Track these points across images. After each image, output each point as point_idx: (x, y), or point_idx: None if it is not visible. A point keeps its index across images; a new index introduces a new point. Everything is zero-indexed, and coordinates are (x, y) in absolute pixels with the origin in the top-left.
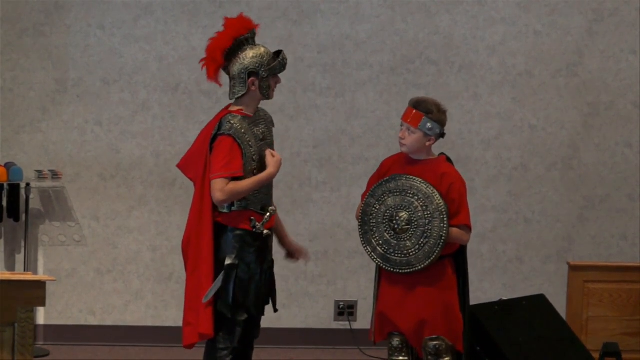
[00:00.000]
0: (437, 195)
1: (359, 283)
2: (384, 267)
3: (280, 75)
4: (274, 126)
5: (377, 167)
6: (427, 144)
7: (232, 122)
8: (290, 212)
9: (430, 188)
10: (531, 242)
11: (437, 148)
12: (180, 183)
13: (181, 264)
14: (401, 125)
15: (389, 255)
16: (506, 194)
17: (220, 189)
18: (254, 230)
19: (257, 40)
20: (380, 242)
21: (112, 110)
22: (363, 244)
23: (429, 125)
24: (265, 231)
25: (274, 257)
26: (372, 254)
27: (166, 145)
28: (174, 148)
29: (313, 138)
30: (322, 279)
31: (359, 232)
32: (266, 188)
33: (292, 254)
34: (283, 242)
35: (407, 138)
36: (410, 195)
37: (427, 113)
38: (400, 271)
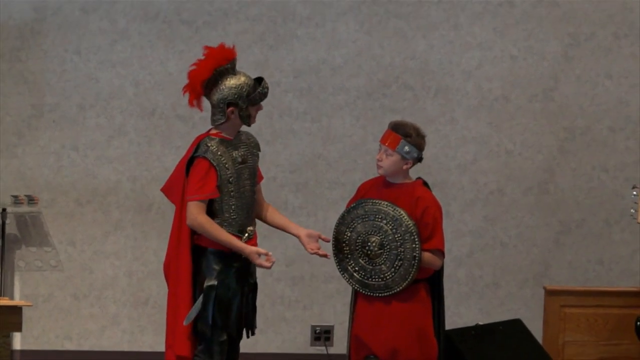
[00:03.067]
0: (405, 217)
1: (335, 308)
2: (363, 292)
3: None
4: (259, 150)
5: (353, 192)
6: (404, 167)
7: (209, 144)
8: (267, 237)
9: (397, 210)
10: (507, 266)
11: (414, 173)
12: (156, 208)
13: (158, 288)
14: (379, 148)
15: (366, 281)
16: (482, 218)
17: (192, 212)
18: (233, 252)
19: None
20: (357, 268)
21: (88, 135)
22: (340, 272)
23: (406, 148)
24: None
25: (257, 282)
26: (350, 280)
27: (142, 170)
28: (150, 173)
29: (289, 163)
30: (298, 303)
31: (335, 260)
32: (244, 210)
33: (308, 235)
34: (291, 230)
35: (384, 160)
36: (379, 220)
37: (406, 136)
38: (381, 294)
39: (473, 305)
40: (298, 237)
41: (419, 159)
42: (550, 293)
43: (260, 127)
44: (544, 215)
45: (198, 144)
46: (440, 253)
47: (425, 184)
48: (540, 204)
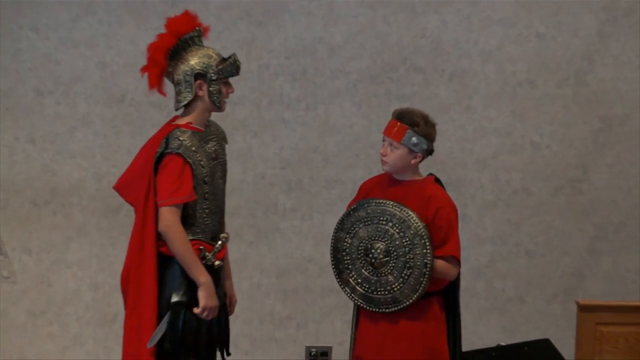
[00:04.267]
0: (414, 218)
1: (333, 326)
2: (367, 307)
3: (243, 85)
4: (226, 142)
5: (355, 192)
6: (413, 161)
7: (182, 138)
8: (253, 244)
9: (404, 211)
10: (534, 278)
11: (425, 168)
12: (126, 210)
13: None
14: (383, 140)
15: (371, 294)
16: (505, 222)
17: (168, 219)
18: (204, 261)
19: (217, 45)
20: (359, 280)
21: (46, 126)
22: (340, 285)
23: (414, 139)
24: (217, 262)
25: (236, 293)
26: (352, 295)
27: (110, 166)
28: (119, 169)
29: (280, 158)
30: (291, 321)
31: (334, 272)
32: (217, 214)
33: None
34: (223, 283)
35: (389, 155)
36: (384, 222)
37: (413, 126)
38: (387, 310)
39: (494, 323)
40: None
41: (430, 152)
42: (583, 309)
43: (245, 117)
44: (577, 219)
45: (167, 137)
46: (455, 261)
47: (438, 181)
48: (572, 206)
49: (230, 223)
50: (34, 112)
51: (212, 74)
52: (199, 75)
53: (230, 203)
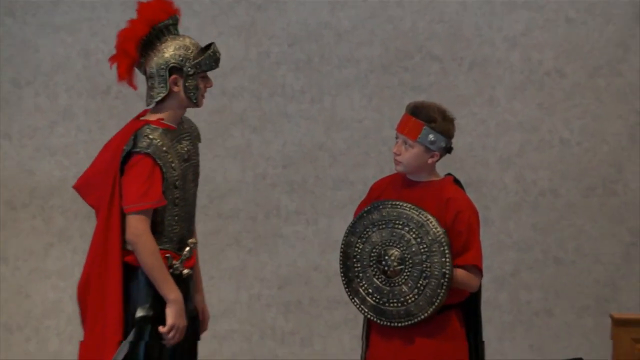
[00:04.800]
0: (433, 222)
1: (341, 342)
2: (378, 321)
3: (241, 75)
4: (200, 141)
5: (365, 193)
6: (429, 161)
7: (152, 136)
8: (253, 251)
9: (423, 214)
10: (563, 288)
11: (442, 167)
12: None
13: None
14: (396, 138)
15: (382, 306)
16: (531, 227)
17: (137, 227)
18: (172, 270)
19: (213, 31)
20: (370, 290)
21: (24, 120)
22: (349, 295)
23: (431, 137)
24: (185, 270)
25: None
26: (362, 306)
27: None
28: None
29: (282, 155)
30: (294, 337)
31: (342, 280)
32: (187, 221)
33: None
34: (193, 295)
35: (403, 154)
36: (400, 227)
37: (429, 121)
38: (400, 324)
39: (519, 339)
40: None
41: (448, 150)
42: (618, 323)
43: (244, 110)
44: (610, 223)
45: (135, 134)
46: (477, 270)
47: (457, 181)
48: (605, 209)
49: (228, 228)
50: (10, 104)
51: (189, 68)
52: (174, 70)
53: (227, 205)
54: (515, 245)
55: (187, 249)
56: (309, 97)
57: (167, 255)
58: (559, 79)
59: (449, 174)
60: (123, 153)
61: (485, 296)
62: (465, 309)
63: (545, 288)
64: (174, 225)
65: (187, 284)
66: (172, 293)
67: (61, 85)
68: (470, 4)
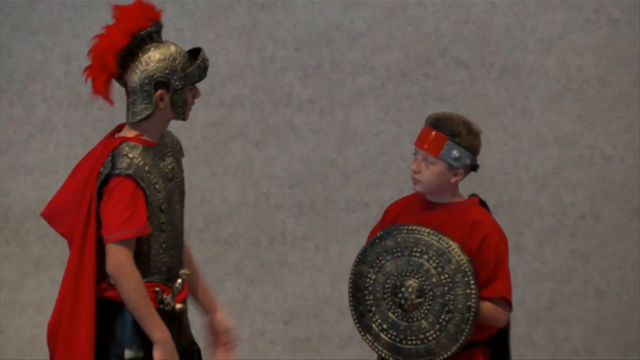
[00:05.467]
0: (456, 249)
1: None
2: None
3: (242, 83)
4: (182, 156)
5: (381, 216)
6: (453, 179)
7: (131, 155)
8: (255, 281)
9: (444, 240)
10: (606, 323)
11: (469, 186)
12: None
13: None
14: (415, 154)
15: (399, 344)
16: (569, 254)
17: (118, 258)
18: (162, 306)
19: (210, 33)
20: (385, 326)
21: None
22: (360, 332)
23: (455, 152)
24: (178, 305)
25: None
26: (375, 344)
27: None
28: None
29: (289, 173)
30: None
31: (352, 315)
32: (176, 248)
33: (215, 332)
34: (206, 308)
35: (423, 171)
36: (417, 254)
37: (453, 135)
38: None
39: None
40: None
41: (473, 167)
42: None
43: (245, 122)
44: None
45: (112, 153)
46: (505, 303)
47: (483, 203)
48: None
49: (227, 255)
50: None
51: (177, 82)
52: (160, 84)
53: (226, 230)
54: (551, 274)
55: (179, 281)
56: (318, 108)
57: (157, 289)
58: (601, 88)
59: (474, 195)
60: (101, 176)
61: (517, 332)
62: (494, 346)
63: (586, 323)
64: (162, 254)
65: (181, 320)
66: (157, 331)
67: (38, 95)
68: (501, 3)
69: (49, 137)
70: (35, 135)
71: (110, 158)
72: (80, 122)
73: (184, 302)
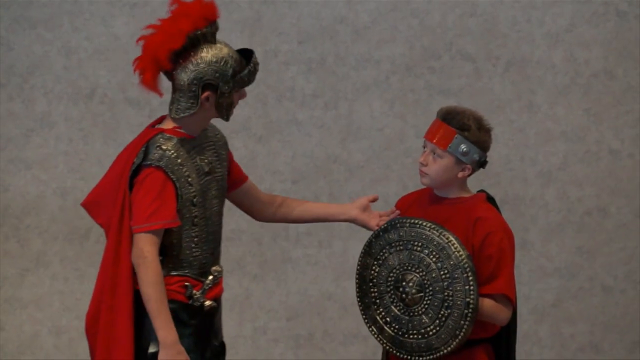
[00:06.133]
0: (455, 244)
1: None
2: (397, 354)
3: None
4: (227, 150)
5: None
6: (460, 174)
7: (165, 147)
8: (258, 278)
9: (444, 235)
10: (612, 321)
11: (474, 182)
12: (97, 234)
13: None
14: (423, 147)
15: (402, 338)
16: (575, 251)
17: (143, 249)
18: (191, 301)
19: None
20: (388, 319)
21: None
22: (366, 323)
23: (463, 147)
24: (208, 302)
25: (225, 341)
26: (380, 336)
27: (76, 179)
28: (88, 183)
29: (292, 168)
30: None
31: (359, 306)
32: (210, 243)
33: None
34: (336, 216)
35: (430, 164)
36: (419, 248)
37: (462, 129)
38: (421, 358)
39: None
40: (353, 221)
41: (482, 164)
42: None
43: (248, 117)
44: None
45: (146, 143)
46: (506, 301)
47: (491, 199)
48: None
49: (229, 251)
50: None
51: (225, 87)
52: (208, 86)
53: (228, 226)
54: (557, 271)
55: (210, 277)
56: (322, 102)
57: (187, 284)
58: (609, 82)
59: (482, 191)
60: (133, 166)
61: (522, 329)
62: (497, 344)
63: (592, 320)
64: (194, 248)
65: (211, 319)
66: (162, 331)
67: (38, 89)
68: None
69: (49, 131)
70: (35, 130)
71: (143, 149)
72: (80, 116)
73: (216, 300)
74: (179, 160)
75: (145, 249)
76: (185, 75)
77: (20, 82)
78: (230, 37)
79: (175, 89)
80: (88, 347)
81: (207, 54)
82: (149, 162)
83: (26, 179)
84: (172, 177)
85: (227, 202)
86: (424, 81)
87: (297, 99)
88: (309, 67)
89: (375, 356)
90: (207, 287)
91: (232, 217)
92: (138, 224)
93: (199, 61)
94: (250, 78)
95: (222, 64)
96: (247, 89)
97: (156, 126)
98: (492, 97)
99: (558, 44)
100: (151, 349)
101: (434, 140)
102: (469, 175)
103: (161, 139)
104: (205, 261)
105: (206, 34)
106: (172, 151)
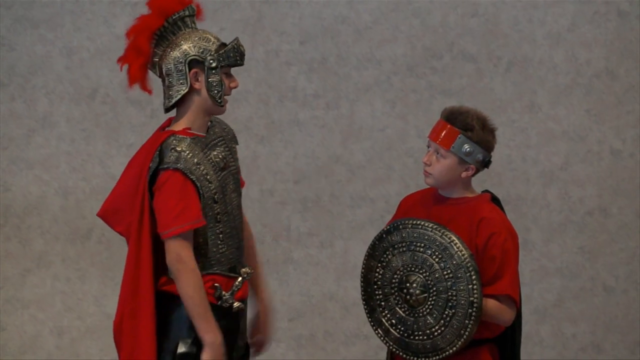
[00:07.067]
0: (458, 244)
1: None
2: (404, 355)
3: (246, 77)
4: (237, 144)
5: (386, 212)
6: (463, 174)
7: (179, 148)
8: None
9: (446, 235)
10: (614, 321)
11: (474, 182)
12: (99, 234)
13: (100, 352)
14: (428, 147)
15: (407, 339)
16: (577, 250)
17: (178, 253)
18: (220, 302)
19: (212, 26)
20: (394, 321)
21: None
22: (372, 326)
23: (466, 147)
24: (236, 304)
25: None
26: (386, 338)
27: (78, 179)
28: (90, 183)
29: (293, 169)
30: None
31: (365, 309)
32: (234, 238)
33: (257, 326)
34: (257, 298)
35: (434, 164)
36: (421, 249)
37: (466, 129)
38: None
39: None
40: (257, 314)
41: (485, 164)
42: None
43: (249, 117)
44: None
45: (160, 147)
46: (510, 301)
47: (496, 200)
48: None
49: None
50: None
51: (211, 60)
52: (195, 63)
53: None
54: (559, 271)
55: (239, 279)
56: (323, 102)
57: (216, 284)
58: (610, 82)
59: (486, 191)
60: (149, 171)
61: (524, 329)
62: (502, 344)
63: (593, 320)
64: (220, 245)
65: (237, 320)
66: (210, 333)
67: (40, 89)
68: None
69: (51, 131)
70: (36, 130)
71: (157, 152)
72: (82, 116)
73: (243, 301)
74: (195, 160)
75: (183, 254)
76: (170, 58)
77: (22, 82)
78: (232, 36)
79: (164, 79)
80: (117, 354)
81: (190, 35)
82: (166, 166)
83: (28, 179)
84: (191, 177)
85: None
86: (425, 81)
87: (298, 99)
88: (311, 67)
89: (377, 356)
90: (236, 288)
91: None
92: (166, 229)
93: (182, 42)
94: (235, 56)
95: (204, 41)
96: (249, 89)
97: (166, 129)
98: (494, 97)
99: (559, 44)
100: (180, 349)
101: (438, 140)
102: (472, 175)
103: (174, 141)
104: (232, 256)
105: (184, 17)
106: (187, 152)
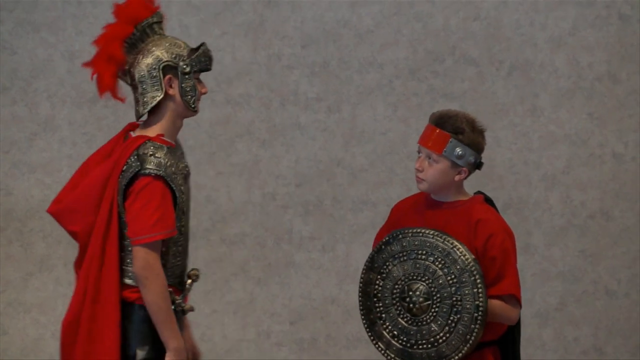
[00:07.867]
0: (461, 249)
1: None
2: None
3: (248, 81)
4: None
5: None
6: (456, 178)
7: (159, 155)
8: (261, 282)
9: (448, 241)
10: (616, 324)
11: (477, 186)
12: None
13: None
14: (418, 152)
15: (410, 349)
16: (579, 254)
17: (148, 260)
18: (173, 307)
19: (215, 30)
20: (396, 332)
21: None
22: (372, 340)
23: (458, 150)
24: (188, 306)
25: (228, 345)
26: (387, 351)
27: None
28: None
29: (295, 173)
30: None
31: (364, 323)
32: (185, 250)
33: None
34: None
35: (426, 170)
36: (423, 257)
37: (456, 133)
38: None
39: None
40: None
41: (477, 166)
42: None
43: (251, 121)
44: None
45: (136, 151)
46: (515, 300)
47: (489, 200)
48: None
49: (233, 255)
50: None
51: (184, 66)
52: (168, 69)
53: (232, 230)
54: (561, 275)
55: (189, 281)
56: (325, 106)
57: (169, 290)
58: (612, 85)
59: (479, 192)
60: (125, 175)
61: (526, 333)
62: (503, 347)
63: (595, 324)
64: (177, 257)
65: (181, 322)
66: (173, 339)
67: (42, 92)
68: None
69: (53, 135)
70: (38, 134)
71: (134, 157)
72: (84, 120)
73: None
74: (173, 169)
75: (152, 261)
76: (143, 65)
77: (23, 85)
78: (234, 41)
79: (136, 86)
80: (60, 356)
81: (160, 42)
82: (147, 171)
83: (30, 182)
84: (171, 185)
85: (234, 208)
86: (427, 85)
87: (300, 103)
88: (313, 71)
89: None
90: (187, 292)
91: (236, 222)
92: (140, 235)
93: (153, 48)
94: (206, 60)
95: (175, 46)
96: (250, 92)
97: (135, 134)
98: (496, 100)
99: (561, 48)
100: (140, 356)
101: (429, 146)
102: (465, 178)
103: (151, 147)
104: (182, 269)
105: (152, 24)
106: (166, 160)
